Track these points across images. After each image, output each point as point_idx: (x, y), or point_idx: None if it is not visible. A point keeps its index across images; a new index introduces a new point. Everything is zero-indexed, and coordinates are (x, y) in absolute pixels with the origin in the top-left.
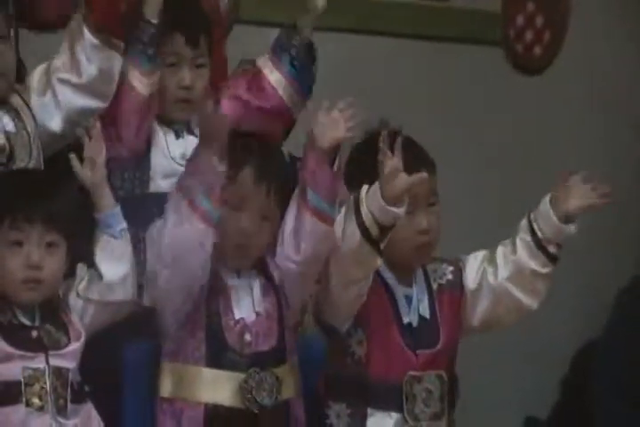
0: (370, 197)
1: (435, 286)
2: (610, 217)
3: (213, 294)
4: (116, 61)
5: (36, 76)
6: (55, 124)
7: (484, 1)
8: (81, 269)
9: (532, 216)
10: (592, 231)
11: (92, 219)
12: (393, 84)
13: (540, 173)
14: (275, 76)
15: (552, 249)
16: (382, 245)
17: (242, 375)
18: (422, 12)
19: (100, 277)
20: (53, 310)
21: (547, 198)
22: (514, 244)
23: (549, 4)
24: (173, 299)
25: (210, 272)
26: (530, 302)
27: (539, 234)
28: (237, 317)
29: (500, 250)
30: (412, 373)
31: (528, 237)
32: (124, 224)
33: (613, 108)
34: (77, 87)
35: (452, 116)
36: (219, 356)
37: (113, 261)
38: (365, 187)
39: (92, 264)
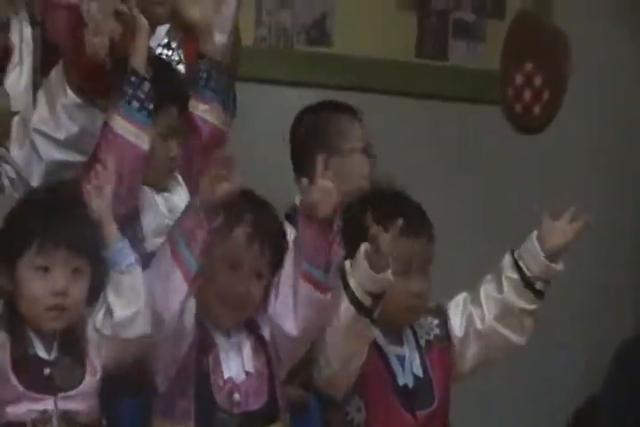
0: (356, 269)
1: (423, 343)
2: (607, 275)
3: (203, 353)
4: (98, 119)
5: (14, 128)
6: (34, 178)
7: (482, 60)
8: (102, 298)
9: (515, 254)
10: (591, 288)
11: None
12: (392, 142)
13: None
14: (198, 108)
15: (540, 286)
16: (375, 314)
17: None
18: (422, 70)
19: (112, 313)
20: (73, 341)
21: (533, 236)
22: (499, 282)
23: (548, 63)
24: (162, 355)
25: (199, 331)
26: (518, 339)
27: (526, 272)
28: (226, 376)
29: (482, 290)
30: None
31: (515, 276)
32: (131, 259)
33: (614, 166)
34: (57, 142)
35: (452, 175)
36: (208, 415)
37: (123, 298)
38: (347, 262)
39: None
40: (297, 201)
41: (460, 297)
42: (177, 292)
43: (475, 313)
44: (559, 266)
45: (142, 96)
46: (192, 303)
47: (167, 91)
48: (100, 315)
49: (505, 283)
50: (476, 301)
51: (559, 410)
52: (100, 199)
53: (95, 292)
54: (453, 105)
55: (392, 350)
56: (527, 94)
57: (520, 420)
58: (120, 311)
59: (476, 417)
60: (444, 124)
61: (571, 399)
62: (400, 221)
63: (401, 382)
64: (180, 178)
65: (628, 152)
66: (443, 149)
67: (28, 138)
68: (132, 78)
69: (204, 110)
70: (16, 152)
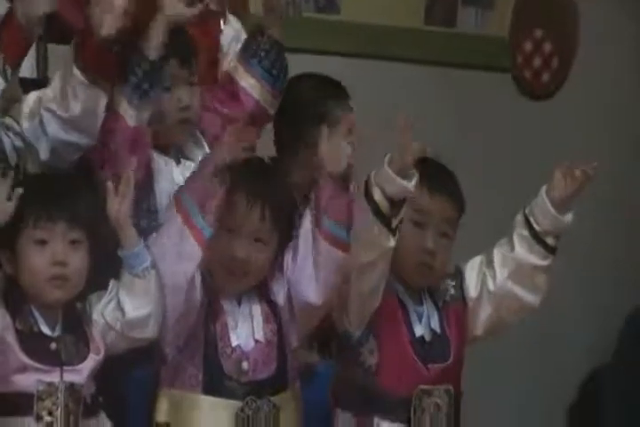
0: (378, 173)
1: (440, 304)
2: (617, 245)
3: (211, 320)
4: (102, 100)
5: (29, 101)
6: (43, 151)
7: (491, 27)
8: (112, 286)
9: (527, 210)
10: (600, 258)
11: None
12: (401, 109)
13: None
14: (247, 81)
15: (550, 241)
16: (394, 223)
17: (239, 403)
18: (429, 37)
19: (124, 310)
20: (76, 319)
21: (542, 190)
22: (511, 241)
23: (557, 30)
24: (171, 321)
25: (208, 297)
26: (531, 298)
27: (536, 227)
28: (234, 344)
29: (496, 251)
30: (422, 386)
31: (525, 232)
32: (147, 263)
33: (624, 132)
34: (62, 120)
35: (461, 143)
36: (216, 383)
37: (136, 300)
38: (373, 172)
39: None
40: None
41: (477, 259)
42: (192, 257)
43: (488, 274)
44: (567, 217)
45: (140, 74)
46: (198, 269)
47: (165, 47)
48: (109, 307)
49: (516, 240)
50: (489, 262)
51: (564, 383)
52: (119, 206)
53: (96, 264)
54: (462, 72)
55: (412, 305)
56: (537, 61)
57: (525, 392)
58: (131, 312)
59: (483, 389)
60: (454, 91)
61: (575, 373)
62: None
63: (418, 333)
64: (205, 145)
65: (639, 119)
66: (452, 116)
67: (38, 114)
68: (142, 63)
69: (251, 84)
70: (27, 124)
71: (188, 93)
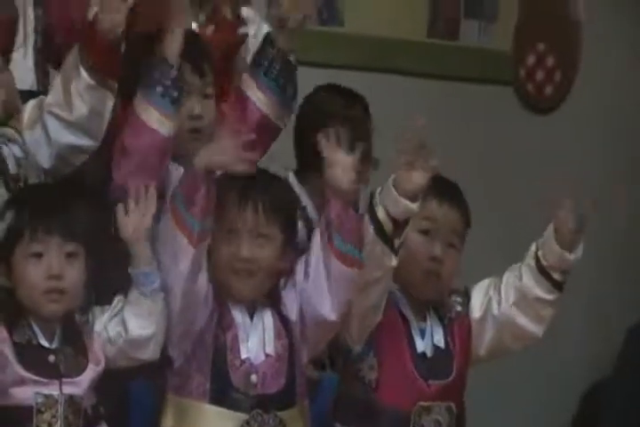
0: (383, 192)
1: (446, 320)
2: (619, 256)
3: (221, 331)
4: (109, 102)
5: (28, 109)
6: (45, 159)
7: (494, 40)
8: (118, 302)
9: (539, 242)
10: (602, 269)
11: (109, 233)
12: (402, 122)
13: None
14: (255, 93)
15: (556, 276)
16: (397, 243)
17: (244, 416)
18: (432, 50)
19: (127, 329)
20: (74, 331)
21: (551, 225)
22: (520, 270)
23: (560, 44)
24: (175, 325)
25: (219, 307)
26: (534, 328)
27: (542, 261)
28: (244, 356)
29: (505, 277)
30: (422, 403)
31: (532, 264)
32: (156, 284)
33: (627, 146)
34: (67, 123)
35: (463, 156)
36: (223, 394)
37: (140, 319)
38: (378, 188)
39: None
40: None
41: (486, 281)
42: (184, 255)
43: (494, 298)
44: (573, 255)
45: (168, 83)
46: (204, 272)
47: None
48: (113, 321)
49: (524, 270)
50: (497, 286)
51: (567, 395)
52: (139, 222)
53: (93, 276)
54: (465, 85)
55: (415, 322)
56: (539, 75)
57: (528, 404)
58: (135, 330)
59: (486, 398)
60: (456, 104)
61: (578, 385)
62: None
63: (419, 349)
64: None
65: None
66: (454, 129)
67: (40, 120)
68: (162, 65)
69: (259, 98)
70: (28, 134)
71: (201, 103)
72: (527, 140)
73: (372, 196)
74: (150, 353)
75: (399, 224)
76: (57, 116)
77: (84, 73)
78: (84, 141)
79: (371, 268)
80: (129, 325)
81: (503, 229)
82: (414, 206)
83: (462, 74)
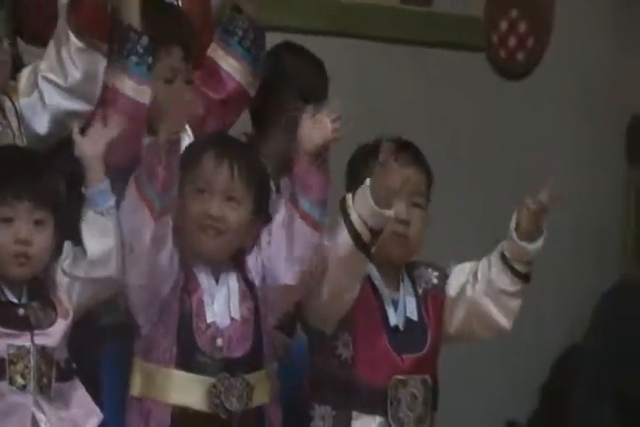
0: (358, 202)
1: (420, 291)
2: (593, 223)
3: (187, 295)
4: (101, 64)
5: (23, 77)
6: (41, 125)
7: (466, 6)
8: (68, 246)
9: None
10: (574, 237)
11: (78, 198)
12: (373, 88)
13: (522, 177)
14: (227, 62)
15: (520, 267)
16: (372, 250)
17: (211, 380)
18: (404, 16)
19: (85, 253)
20: (41, 288)
21: (514, 216)
22: (491, 258)
23: (533, 10)
24: (140, 295)
25: (184, 272)
26: (502, 319)
27: (506, 253)
28: (210, 320)
29: (482, 263)
30: (397, 376)
31: (499, 255)
32: (111, 202)
33: (598, 112)
34: (62, 89)
35: (433, 122)
36: (189, 359)
37: (97, 238)
38: (349, 195)
39: (78, 242)
40: None
41: (467, 264)
42: (146, 226)
43: (470, 281)
44: (532, 245)
45: (141, 50)
46: (168, 242)
47: (168, 30)
48: (69, 259)
49: (493, 260)
50: (474, 271)
51: (539, 360)
52: (94, 144)
53: (60, 243)
54: (437, 51)
55: (388, 293)
56: (512, 41)
57: (500, 370)
58: (94, 251)
59: (457, 365)
60: (429, 70)
61: (551, 350)
62: (390, 144)
63: (392, 322)
64: (189, 131)
65: (614, 98)
66: (427, 95)
67: (36, 87)
68: (130, 34)
69: (233, 66)
70: (24, 100)
71: (189, 91)
72: (499, 107)
73: (343, 200)
74: (111, 269)
75: (376, 232)
76: (51, 82)
77: (72, 36)
78: (80, 106)
79: (347, 275)
80: (87, 246)
81: (473, 199)
82: (391, 214)
83: (435, 40)
